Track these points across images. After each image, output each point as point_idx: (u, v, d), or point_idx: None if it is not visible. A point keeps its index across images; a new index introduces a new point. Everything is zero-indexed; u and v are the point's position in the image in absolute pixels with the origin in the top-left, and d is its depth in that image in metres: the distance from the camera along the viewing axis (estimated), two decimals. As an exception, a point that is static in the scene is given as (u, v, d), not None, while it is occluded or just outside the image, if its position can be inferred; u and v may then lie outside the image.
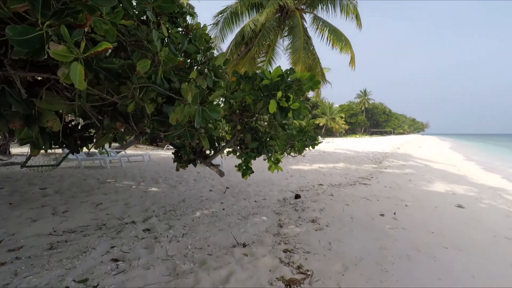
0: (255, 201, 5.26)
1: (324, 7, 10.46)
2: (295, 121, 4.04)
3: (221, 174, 3.77)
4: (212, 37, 11.78)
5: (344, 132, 69.89)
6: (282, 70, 3.23)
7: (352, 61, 10.70)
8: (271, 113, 2.90)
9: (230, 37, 12.18)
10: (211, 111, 1.85)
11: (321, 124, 58.37)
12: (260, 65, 12.82)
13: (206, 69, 1.97)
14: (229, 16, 10.83)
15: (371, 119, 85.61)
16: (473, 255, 3.69)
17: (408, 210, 5.45)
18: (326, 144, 26.46)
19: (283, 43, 11.79)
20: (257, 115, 3.75)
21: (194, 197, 5.22)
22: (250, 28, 10.20)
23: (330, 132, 63.27)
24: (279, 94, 2.87)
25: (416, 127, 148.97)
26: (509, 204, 6.92)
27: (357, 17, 10.37)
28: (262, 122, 4.03)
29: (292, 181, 7.49)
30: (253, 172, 3.95)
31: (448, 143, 53.03)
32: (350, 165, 11.35)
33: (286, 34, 11.46)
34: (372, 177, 8.82)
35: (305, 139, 4.16)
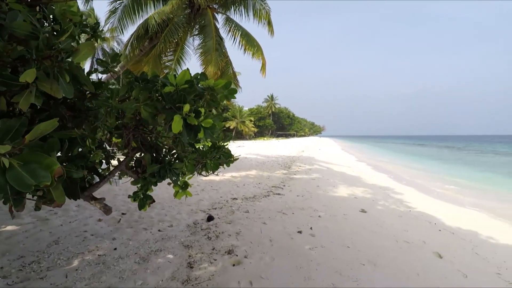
0: (159, 231, 4.32)
1: (237, 9, 10.09)
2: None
3: (108, 211, 2.78)
4: (109, 27, 10.02)
5: (253, 135, 72.49)
6: (191, 74, 2.52)
7: (263, 68, 10.67)
8: (176, 133, 2.16)
9: (132, 29, 10.66)
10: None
11: (231, 127, 59.05)
12: (168, 64, 11.62)
13: (56, 68, 1.13)
14: (130, 4, 9.36)
15: (277, 122, 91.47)
16: (387, 268, 3.70)
17: (323, 222, 5.41)
18: (238, 149, 26.52)
19: (194, 42, 10.93)
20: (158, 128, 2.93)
21: (74, 234, 3.91)
22: (155, 21, 9.01)
23: (240, 135, 64.63)
24: (187, 107, 2.14)
25: (315, 130, 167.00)
26: (397, 204, 7.79)
27: (269, 23, 10.36)
28: (165, 138, 3.21)
29: (204, 197, 6.76)
30: (153, 201, 3.09)
31: (341, 144, 60.92)
32: (262, 172, 11.29)
33: (197, 32, 10.65)
34: (284, 185, 8.82)
35: (218, 156, 3.53)
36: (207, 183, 8.22)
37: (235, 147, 30.44)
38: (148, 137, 3.04)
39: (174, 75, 2.42)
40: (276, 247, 4.01)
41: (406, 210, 7.10)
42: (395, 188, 10.32)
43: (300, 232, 4.69)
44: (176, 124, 2.12)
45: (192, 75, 2.64)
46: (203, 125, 2.32)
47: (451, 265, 4.04)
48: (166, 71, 11.71)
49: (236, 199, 6.75)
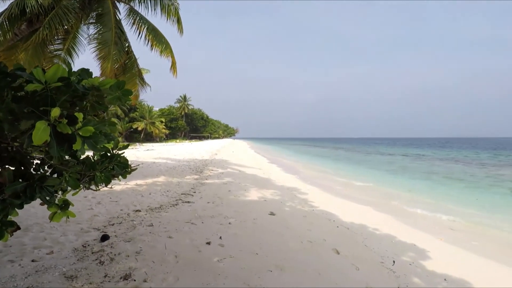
0: (33, 261, 3.45)
1: (142, 2, 9.20)
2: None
3: None
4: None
5: (164, 137, 68.86)
6: (70, 69, 2.03)
7: (174, 67, 10.06)
8: (39, 145, 1.66)
9: (2, 6, 8.57)
10: None
11: (139, 129, 54.66)
12: (57, 53, 9.83)
13: None
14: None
15: (190, 124, 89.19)
16: (292, 271, 3.80)
17: (233, 229, 5.31)
18: (146, 153, 24.62)
19: (89, 30, 9.51)
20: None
21: None
22: (37, 0, 7.44)
23: (150, 137, 60.53)
24: (55, 111, 1.67)
25: (229, 132, 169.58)
26: (303, 204, 8.35)
27: (179, 21, 9.82)
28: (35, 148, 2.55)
29: (100, 211, 5.86)
30: (18, 228, 2.41)
31: (254, 146, 63.39)
32: (172, 178, 10.63)
33: (93, 21, 9.30)
34: (195, 192, 8.46)
35: (111, 167, 3.02)
36: (105, 194, 7.21)
37: (143, 151, 28.21)
38: (9, 147, 2.37)
39: (43, 70, 1.89)
40: (181, 264, 3.69)
41: (310, 210, 7.65)
42: (301, 188, 11.10)
43: (209, 243, 4.47)
44: (38, 133, 1.64)
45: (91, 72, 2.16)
46: (80, 133, 1.88)
47: (346, 259, 4.44)
48: (56, 61, 9.91)
49: (140, 211, 6.08)
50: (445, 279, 4.08)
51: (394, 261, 4.50)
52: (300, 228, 5.84)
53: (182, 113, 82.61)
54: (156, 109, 69.69)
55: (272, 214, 6.69)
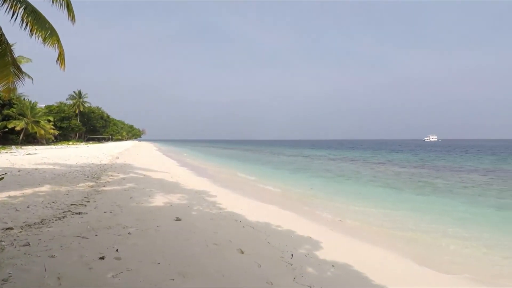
0: None
1: (15, -25, 7.59)
2: None
3: None
4: None
5: (53, 138, 59.06)
6: None
7: (61, 58, 8.63)
8: None
9: None
10: None
11: (17, 129, 45.26)
12: None
13: None
14: None
15: (87, 124, 78.79)
16: (196, 277, 3.72)
17: (132, 239, 4.89)
18: (25, 158, 20.55)
19: None
20: None
21: None
22: None
23: (33, 139, 50.92)
24: None
25: (134, 133, 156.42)
26: (211, 207, 8.32)
27: (69, 7, 8.49)
28: None
29: (-51, 233, 4.57)
30: None
31: (163, 148, 60.03)
32: (59, 187, 9.12)
33: None
34: (89, 201, 7.46)
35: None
36: (-41, 211, 5.66)
37: (21, 155, 23.50)
38: None
39: None
40: (65, 286, 3.18)
41: (218, 212, 7.68)
42: (210, 191, 11.06)
43: (102, 258, 3.98)
44: None
45: None
46: None
47: (249, 258, 4.60)
48: None
49: (11, 228, 4.99)
50: (333, 266, 4.65)
51: (292, 255, 4.90)
52: (206, 232, 5.79)
53: (77, 111, 72.27)
54: (41, 105, 59.14)
55: (178, 219, 6.44)
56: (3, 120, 44.07)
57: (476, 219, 8.55)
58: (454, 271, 5.06)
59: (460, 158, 33.27)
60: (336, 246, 5.86)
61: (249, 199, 10.68)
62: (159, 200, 8.32)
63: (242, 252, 4.79)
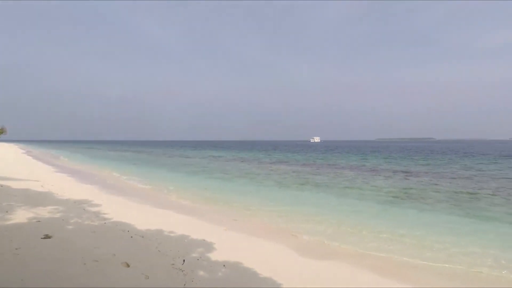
0: None
1: None
2: None
3: None
4: None
5: None
6: None
7: None
8: None
9: None
10: None
11: None
12: None
13: None
14: None
15: None
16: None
17: (-25, 270, 3.84)
18: None
19: None
20: None
21: None
22: None
23: None
24: None
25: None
26: (93, 218, 7.35)
27: None
28: None
29: None
30: None
31: (34, 151, 49.17)
32: None
33: None
34: None
35: None
36: None
37: None
38: None
39: None
40: None
41: (101, 223, 6.85)
42: (94, 200, 9.77)
43: None
44: None
45: None
46: None
47: (135, 271, 4.25)
48: None
49: None
50: (224, 265, 4.75)
51: (184, 260, 4.78)
52: (86, 247, 5.07)
53: None
54: None
55: (47, 237, 5.43)
56: None
57: (341, 208, 10.23)
58: (332, 258, 5.85)
59: (336, 157, 39.33)
60: (229, 246, 6.02)
61: (142, 205, 9.94)
62: (20, 215, 6.82)
63: (128, 265, 4.38)
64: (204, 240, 6.09)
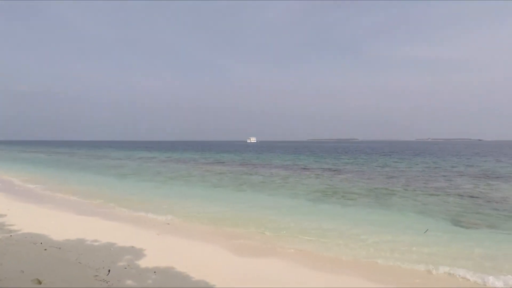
0: None
1: None
2: None
3: None
4: None
5: None
6: None
7: None
8: None
9: None
10: None
11: None
12: None
13: None
14: None
15: None
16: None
17: None
18: None
19: None
20: None
21: None
22: None
23: None
24: None
25: None
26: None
27: None
28: None
29: None
30: None
31: None
32: None
33: None
34: None
35: None
36: None
37: None
38: None
39: None
40: None
41: (6, 236, 5.93)
42: (-5, 210, 8.38)
43: None
44: None
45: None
46: None
47: (49, 286, 3.79)
48: None
49: None
50: (155, 272, 4.55)
51: (109, 270, 4.43)
52: (-16, 266, 4.32)
53: None
54: None
55: None
56: None
57: (276, 206, 10.69)
58: (267, 256, 6.02)
59: (271, 157, 40.76)
60: (162, 251, 5.78)
61: (60, 213, 8.90)
62: None
63: (40, 282, 3.88)
64: (133, 247, 5.73)
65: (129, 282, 4.10)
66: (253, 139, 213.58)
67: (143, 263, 4.91)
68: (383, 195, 12.81)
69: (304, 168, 24.86)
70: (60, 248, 5.34)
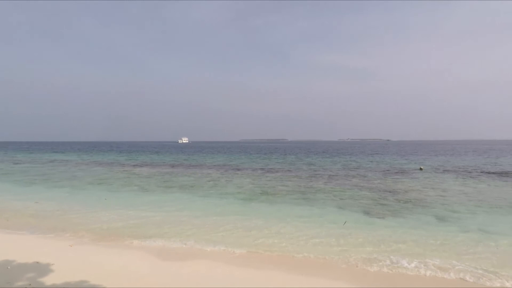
0: None
1: None
2: None
3: None
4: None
5: None
6: None
7: None
8: None
9: None
10: None
11: None
12: None
13: None
14: None
15: None
16: None
17: None
18: None
19: None
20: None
21: None
22: None
23: None
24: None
25: None
26: None
27: None
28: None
29: None
30: None
31: None
32: None
33: None
34: None
35: None
36: None
37: None
38: None
39: None
40: None
41: None
42: None
43: None
44: None
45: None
46: None
47: None
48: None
49: None
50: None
51: (4, 292, 3.77)
52: None
53: None
54: None
55: None
56: None
57: (204, 208, 10.56)
58: (193, 258, 5.90)
59: (203, 157, 40.09)
60: (74, 264, 5.17)
61: None
62: None
63: None
64: (37, 262, 5.00)
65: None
66: (185, 139, 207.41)
67: (49, 280, 4.32)
68: (308, 192, 13.73)
69: (236, 168, 25.14)
70: None
